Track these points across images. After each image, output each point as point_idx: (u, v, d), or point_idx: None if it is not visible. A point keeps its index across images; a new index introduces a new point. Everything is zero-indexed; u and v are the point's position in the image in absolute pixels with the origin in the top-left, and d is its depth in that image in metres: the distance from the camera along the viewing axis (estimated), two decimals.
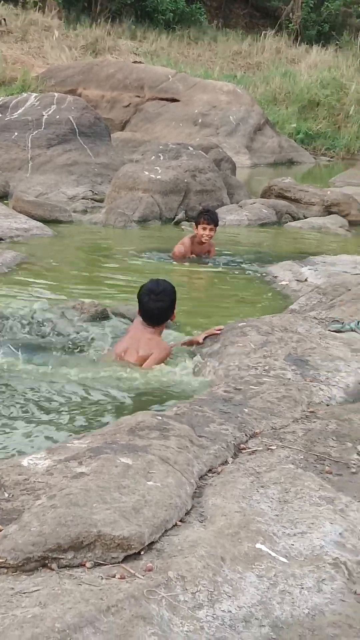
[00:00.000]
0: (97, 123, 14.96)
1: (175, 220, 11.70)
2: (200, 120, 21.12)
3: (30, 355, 5.59)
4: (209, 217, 9.14)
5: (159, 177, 11.86)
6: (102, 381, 5.21)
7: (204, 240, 9.15)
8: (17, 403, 4.79)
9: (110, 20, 28.64)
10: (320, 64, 28.33)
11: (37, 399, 4.87)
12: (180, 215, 11.79)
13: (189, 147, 13.29)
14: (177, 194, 11.92)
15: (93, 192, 13.17)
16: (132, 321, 6.47)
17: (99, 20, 28.42)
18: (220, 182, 12.87)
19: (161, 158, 12.66)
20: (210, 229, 9.12)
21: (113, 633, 2.44)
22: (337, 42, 31.06)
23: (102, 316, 6.37)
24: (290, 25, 32.27)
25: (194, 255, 9.27)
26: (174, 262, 9.08)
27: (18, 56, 24.42)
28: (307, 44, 31.24)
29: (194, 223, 9.58)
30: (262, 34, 30.89)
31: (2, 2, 27.17)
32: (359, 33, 31.25)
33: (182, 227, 11.42)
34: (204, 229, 9.06)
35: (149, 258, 9.25)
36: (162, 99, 21.98)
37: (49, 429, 4.49)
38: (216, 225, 9.28)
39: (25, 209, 11.08)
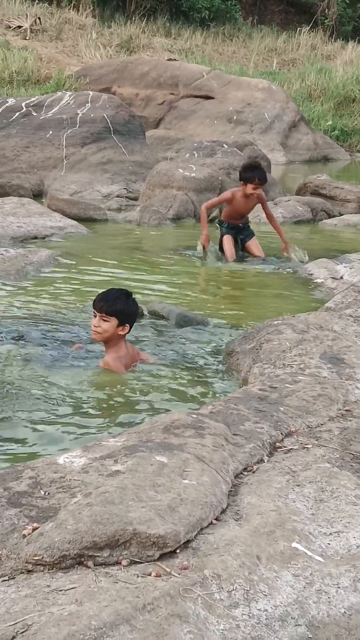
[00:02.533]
0: (132, 121, 14.99)
1: (209, 218, 11.68)
2: (234, 118, 21.10)
3: (62, 354, 5.62)
4: (263, 179, 9.02)
5: (193, 174, 11.87)
6: (135, 379, 5.23)
7: (250, 195, 9.07)
8: (51, 400, 4.81)
9: (144, 18, 28.68)
10: (356, 60, 28.17)
11: (69, 398, 4.89)
12: (215, 212, 11.76)
13: (224, 145, 13.30)
14: (212, 191, 11.91)
15: (127, 190, 13.20)
16: (166, 319, 6.50)
17: (133, 18, 28.48)
18: None
19: (195, 156, 12.69)
20: (260, 188, 9.07)
21: (149, 631, 2.45)
22: None
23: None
24: (325, 21, 32.15)
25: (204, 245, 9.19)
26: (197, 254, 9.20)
27: (53, 55, 24.52)
28: (342, 40, 31.09)
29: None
30: (297, 30, 30.79)
31: (37, 1, 27.26)
32: None
33: (217, 225, 11.40)
34: (255, 188, 8.89)
35: (183, 256, 9.24)
36: (196, 97, 21.97)
37: (83, 427, 4.50)
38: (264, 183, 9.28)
39: (60, 207, 11.14)
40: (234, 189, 9.52)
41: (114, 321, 5.28)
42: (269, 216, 9.58)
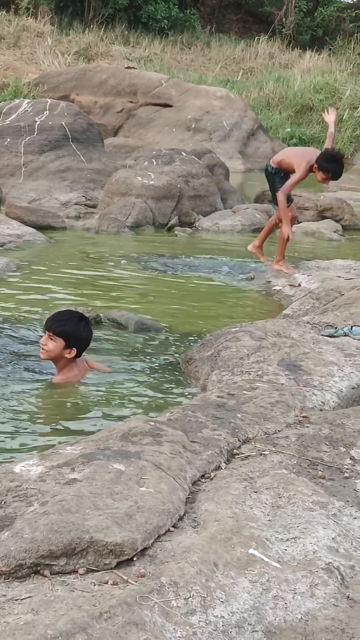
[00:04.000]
0: (90, 129, 14.97)
1: (168, 225, 11.70)
2: (193, 126, 21.16)
3: (18, 361, 5.59)
4: (336, 175, 8.69)
5: (152, 182, 11.88)
6: (92, 387, 5.22)
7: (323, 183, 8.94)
8: (7, 410, 4.78)
9: (103, 25, 28.68)
10: (313, 69, 28.39)
11: (24, 408, 4.86)
12: (174, 220, 11.80)
13: (182, 153, 13.32)
14: (170, 199, 11.94)
15: (86, 198, 13.17)
16: (124, 327, 6.49)
17: (91, 26, 28.47)
18: (213, 188, 12.90)
19: (154, 164, 12.69)
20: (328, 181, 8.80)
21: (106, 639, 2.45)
22: (331, 47, 31.14)
23: (95, 322, 6.37)
24: (283, 30, 32.36)
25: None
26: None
27: (10, 62, 24.43)
28: (300, 49, 31.31)
29: (316, 165, 8.63)
30: (255, 39, 30.96)
31: None
32: (352, 38, 31.31)
33: (176, 232, 11.43)
34: (324, 179, 8.63)
35: (141, 264, 9.24)
36: (155, 105, 22.02)
37: (39, 436, 4.49)
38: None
39: (18, 215, 11.08)
40: (309, 166, 8.72)
41: (60, 342, 5.23)
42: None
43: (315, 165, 8.48)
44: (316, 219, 12.68)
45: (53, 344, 5.24)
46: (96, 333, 6.10)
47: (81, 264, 9.12)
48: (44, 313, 6.50)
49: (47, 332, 5.27)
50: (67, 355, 5.28)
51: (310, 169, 8.53)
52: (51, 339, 5.24)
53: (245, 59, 29.84)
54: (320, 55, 30.01)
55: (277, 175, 9.15)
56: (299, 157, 8.87)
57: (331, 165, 8.44)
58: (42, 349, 5.29)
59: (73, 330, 5.27)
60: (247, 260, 9.68)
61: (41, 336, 5.67)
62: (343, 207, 12.83)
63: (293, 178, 8.78)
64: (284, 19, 32.84)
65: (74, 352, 5.28)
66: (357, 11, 33.97)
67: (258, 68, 29.14)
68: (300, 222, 12.48)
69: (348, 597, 2.94)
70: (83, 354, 5.43)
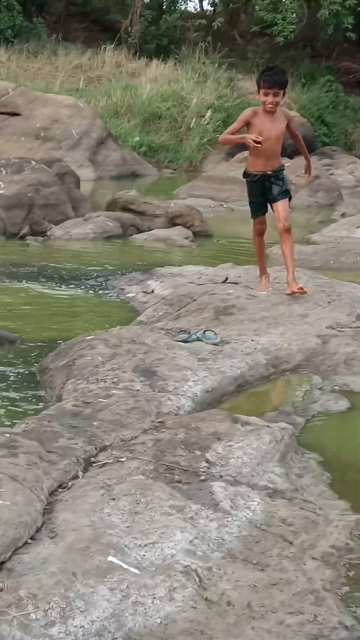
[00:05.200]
0: None
1: (20, 235, 11.58)
2: (42, 135, 21.00)
3: None
4: (269, 80, 6.74)
5: (1, 192, 11.74)
6: None
7: (267, 109, 6.74)
8: None
9: None
10: (160, 78, 28.60)
11: None
12: (25, 229, 11.67)
13: (32, 162, 13.20)
14: (21, 208, 11.82)
15: None
16: None
17: None
18: (64, 196, 12.84)
19: (3, 173, 12.53)
20: (275, 94, 6.72)
21: None
22: (177, 56, 31.47)
23: None
24: (129, 39, 32.51)
25: (258, 137, 6.65)
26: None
27: None
28: (146, 57, 31.50)
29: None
30: (102, 48, 30.97)
31: None
32: (197, 47, 31.74)
33: (28, 241, 11.31)
34: (265, 94, 6.70)
35: None
36: (2, 113, 21.73)
37: None
38: (281, 87, 6.77)
39: None
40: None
41: None
42: (294, 136, 7.28)
43: (256, 93, 7.04)
44: (167, 226, 12.77)
45: None
46: None
47: None
48: None
49: None
50: None
51: (256, 114, 6.86)
52: None
53: (92, 68, 29.78)
54: (166, 64, 30.22)
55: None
56: None
57: (262, 76, 6.88)
58: None
59: None
60: (99, 269, 9.68)
61: None
62: (193, 214, 12.96)
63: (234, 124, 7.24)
64: (129, 28, 33.00)
65: None
66: (201, 20, 34.45)
67: (105, 76, 29.13)
68: (152, 229, 12.56)
69: (206, 598, 2.98)
70: None
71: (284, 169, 7.19)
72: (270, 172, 6.95)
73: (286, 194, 7.04)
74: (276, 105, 6.83)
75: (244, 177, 7.19)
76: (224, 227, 14.01)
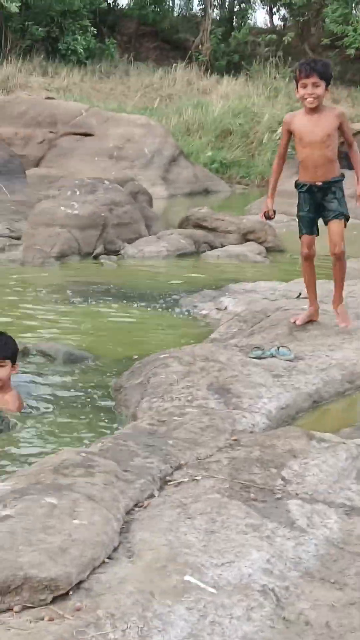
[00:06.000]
0: (12, 160, 14.95)
1: (94, 254, 11.69)
2: (115, 154, 21.22)
3: None
4: (306, 67, 5.82)
5: (76, 212, 11.86)
6: (22, 421, 5.18)
7: (307, 105, 5.83)
8: None
9: (21, 57, 28.66)
10: (231, 94, 28.67)
11: None
12: (99, 249, 11.78)
13: (105, 181, 13.32)
14: (95, 228, 11.93)
15: (10, 229, 13.09)
16: (53, 358, 6.45)
17: (9, 58, 28.42)
18: (137, 215, 12.93)
19: (77, 193, 12.67)
20: (314, 84, 5.76)
21: None
22: (247, 72, 31.51)
23: (22, 353, 6.32)
24: (200, 56, 32.69)
25: (269, 211, 6.25)
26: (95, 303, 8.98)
27: None
28: (217, 74, 31.62)
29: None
30: (173, 66, 31.19)
31: None
32: (268, 62, 31.75)
33: (102, 260, 11.42)
34: (304, 86, 5.78)
35: (67, 294, 9.19)
36: (76, 134, 22.01)
37: None
38: (323, 77, 5.79)
39: None
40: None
41: (8, 364, 5.25)
42: (349, 144, 6.10)
43: (296, 94, 6.06)
44: (240, 242, 12.77)
45: (3, 370, 5.23)
46: (24, 365, 6.07)
47: (5, 297, 9.05)
48: None
49: None
50: (14, 372, 5.32)
51: (295, 118, 6.08)
52: (1, 365, 5.23)
53: (163, 86, 30.02)
54: (237, 80, 30.31)
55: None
56: None
57: (300, 66, 5.98)
58: None
59: (15, 348, 5.36)
60: (172, 286, 9.72)
61: None
62: (266, 230, 12.93)
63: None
64: (200, 46, 33.19)
65: (17, 366, 5.38)
66: (271, 35, 34.48)
67: (177, 94, 29.33)
68: (224, 245, 12.57)
69: (284, 618, 2.96)
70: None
71: (341, 180, 6.09)
72: (320, 184, 6.00)
73: (342, 214, 6.07)
74: (317, 99, 5.80)
75: (295, 187, 6.25)
76: (297, 242, 13.85)
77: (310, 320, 6.39)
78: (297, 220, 6.38)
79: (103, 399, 5.63)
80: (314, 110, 5.85)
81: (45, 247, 11.35)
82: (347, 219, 6.12)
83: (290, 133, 6.06)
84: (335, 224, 6.03)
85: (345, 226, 6.12)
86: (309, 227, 6.24)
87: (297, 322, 6.32)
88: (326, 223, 6.12)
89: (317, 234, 6.31)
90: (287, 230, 15.03)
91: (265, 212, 6.21)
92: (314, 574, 3.22)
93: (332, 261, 6.26)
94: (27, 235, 11.95)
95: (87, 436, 4.93)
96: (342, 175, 6.06)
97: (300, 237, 6.35)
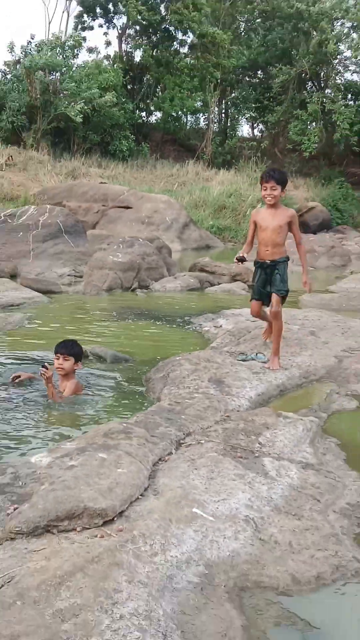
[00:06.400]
0: (76, 224, 14.98)
1: (131, 288, 11.71)
2: (146, 221, 21.23)
3: (27, 390, 5.51)
4: (266, 174, 5.44)
5: (119, 259, 11.90)
6: (82, 401, 5.17)
7: (267, 202, 5.44)
8: (24, 418, 4.72)
9: (83, 155, 28.81)
10: (225, 181, 28.63)
11: (37, 416, 4.80)
12: (135, 285, 11.80)
13: (139, 239, 13.37)
14: (132, 271, 11.95)
15: (75, 271, 13.11)
16: (103, 358, 6.45)
17: (76, 155, 28.57)
18: (161, 262, 12.95)
19: (120, 247, 12.71)
20: (272, 188, 5.36)
21: (97, 576, 2.42)
22: (236, 167, 31.56)
23: (83, 355, 6.32)
24: (204, 156, 32.78)
25: (239, 256, 5.64)
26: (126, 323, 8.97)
27: (21, 181, 24.32)
28: (216, 168, 31.65)
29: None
30: (186, 163, 31.27)
31: (9, 145, 27.20)
32: (250, 160, 31.77)
33: (136, 292, 11.43)
34: (265, 189, 5.38)
35: (113, 315, 9.21)
36: (120, 207, 22.06)
37: (48, 436, 4.43)
38: (280, 182, 5.38)
39: (28, 284, 11.02)
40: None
41: (71, 360, 5.26)
42: (297, 242, 5.65)
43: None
44: (230, 281, 12.77)
45: (68, 363, 5.23)
46: (84, 363, 6.07)
47: (72, 316, 9.07)
48: (49, 347, 6.43)
49: (60, 356, 5.23)
50: (76, 367, 5.30)
51: (259, 212, 5.67)
52: (66, 360, 5.23)
53: (179, 176, 29.99)
54: (229, 172, 30.31)
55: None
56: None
57: (262, 174, 5.54)
58: (59, 368, 5.24)
59: (79, 349, 5.35)
60: (184, 311, 9.71)
61: (46, 361, 5.59)
62: (248, 273, 12.89)
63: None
64: (204, 149, 33.28)
65: (80, 364, 5.33)
66: (252, 142, 34.55)
67: (188, 181, 29.28)
68: (220, 283, 12.56)
69: (260, 538, 2.95)
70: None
71: (285, 261, 5.56)
72: (269, 262, 5.53)
73: (281, 291, 5.51)
74: (274, 198, 5.40)
75: (254, 264, 5.76)
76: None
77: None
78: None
79: (137, 387, 5.62)
80: (272, 206, 5.46)
81: (99, 283, 11.37)
82: (287, 292, 5.56)
83: (255, 224, 5.63)
84: (274, 296, 5.48)
85: (285, 298, 5.58)
86: (257, 294, 5.69)
87: (264, 338, 6.03)
88: (270, 294, 5.55)
89: (266, 304, 5.68)
90: None
91: (238, 257, 5.60)
92: (280, 509, 3.21)
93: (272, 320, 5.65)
94: (86, 275, 11.98)
95: (126, 412, 4.92)
96: (287, 258, 5.57)
97: (250, 300, 5.80)
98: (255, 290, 5.70)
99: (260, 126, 37.38)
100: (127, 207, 22.09)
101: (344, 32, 30.80)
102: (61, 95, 27.59)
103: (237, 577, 2.67)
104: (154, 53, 32.47)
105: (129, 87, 32.14)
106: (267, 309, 5.77)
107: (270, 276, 5.56)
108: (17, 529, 2.70)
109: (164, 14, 31.69)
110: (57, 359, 5.25)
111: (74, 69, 28.82)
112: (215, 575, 2.65)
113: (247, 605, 2.56)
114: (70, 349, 5.29)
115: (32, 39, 31.16)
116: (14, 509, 2.86)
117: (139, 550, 2.61)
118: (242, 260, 5.54)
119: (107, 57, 33.42)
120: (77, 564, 2.46)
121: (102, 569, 2.45)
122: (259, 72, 35.61)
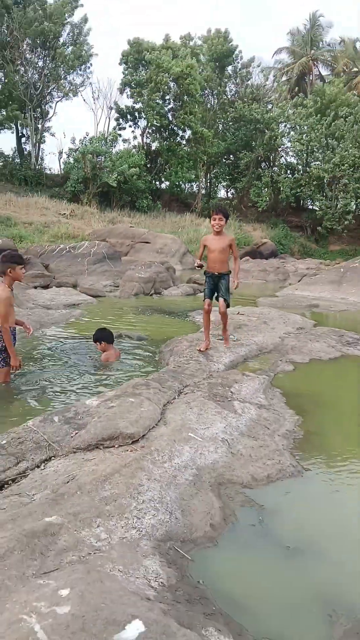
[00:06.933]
0: (115, 253, 14.93)
1: (150, 293, 11.67)
2: (159, 251, 21.14)
3: (89, 353, 5.48)
4: (214, 208, 4.92)
5: (142, 275, 11.86)
6: (117, 364, 5.15)
7: (215, 230, 4.87)
8: (82, 375, 4.70)
9: (119, 209, 28.68)
10: (209, 226, 28.48)
11: (90, 374, 4.78)
12: (152, 291, 11.77)
13: (155, 263, 13.31)
14: (150, 282, 11.90)
15: (114, 283, 13.06)
16: (132, 338, 6.40)
17: (114, 209, 28.44)
18: (169, 277, 12.88)
19: (143, 268, 12.66)
20: (219, 219, 4.83)
21: (128, 475, 2.42)
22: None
23: (118, 335, 6.30)
24: (196, 210, 32.50)
25: (198, 262, 5.03)
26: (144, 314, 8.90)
27: (79, 226, 24.20)
28: (203, 217, 31.29)
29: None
30: (185, 214, 30.98)
31: (72, 202, 27.12)
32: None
33: (153, 296, 11.38)
34: (213, 219, 4.82)
35: (139, 310, 9.17)
36: (142, 242, 21.94)
37: (97, 387, 4.42)
38: (225, 216, 4.89)
39: (84, 291, 10.98)
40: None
41: (97, 344, 5.22)
42: (234, 257, 5.14)
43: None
44: None
45: (99, 345, 5.19)
46: (119, 342, 6.06)
47: (112, 311, 9.04)
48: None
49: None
50: (102, 347, 5.16)
51: (207, 237, 5.08)
52: (96, 343, 5.20)
53: (180, 222, 29.77)
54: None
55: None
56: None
57: (213, 207, 4.47)
58: (97, 348, 5.22)
59: (99, 335, 5.20)
60: (183, 308, 9.67)
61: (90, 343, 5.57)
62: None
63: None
64: (196, 205, 33.01)
65: (104, 344, 5.17)
66: (227, 200, 34.33)
67: (186, 226, 29.11)
68: None
69: (232, 452, 2.93)
70: (114, 345, 5.32)
71: (228, 274, 5.07)
72: (217, 274, 4.98)
73: (227, 296, 5.01)
74: (220, 227, 4.85)
75: (204, 274, 5.12)
76: (249, 288, 13.80)
77: (207, 349, 5.16)
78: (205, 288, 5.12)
79: (153, 356, 5.59)
80: (218, 233, 4.91)
81: (129, 290, 11.32)
82: (227, 303, 5.03)
83: (204, 245, 5.06)
84: (221, 300, 5.03)
85: (228, 305, 5.05)
86: (209, 296, 5.08)
87: (200, 349, 5.11)
88: (217, 298, 5.09)
89: (214, 300, 5.15)
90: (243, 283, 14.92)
91: (197, 264, 5.00)
92: (244, 434, 3.20)
93: (221, 316, 5.23)
94: (121, 285, 11.92)
95: (147, 371, 4.90)
96: (229, 271, 5.06)
97: (203, 300, 5.14)
98: (206, 293, 5.13)
99: (232, 190, 37.10)
100: (147, 242, 21.97)
101: (286, 131, 30.63)
102: (104, 170, 27.47)
103: (216, 476, 2.68)
104: (164, 144, 32.29)
105: (148, 165, 31.90)
106: (215, 309, 5.40)
107: (217, 284, 5.06)
108: (77, 446, 2.71)
109: (170, 119, 31.58)
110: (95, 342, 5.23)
111: (113, 153, 28.65)
112: (203, 475, 2.65)
113: (223, 494, 2.56)
114: (94, 336, 5.22)
115: (87, 135, 30.96)
116: (75, 434, 2.86)
117: (154, 460, 2.61)
118: (201, 266, 5.04)
119: (135, 146, 33.18)
120: (115, 468, 2.46)
121: (131, 471, 2.45)
122: (231, 156, 35.31)
